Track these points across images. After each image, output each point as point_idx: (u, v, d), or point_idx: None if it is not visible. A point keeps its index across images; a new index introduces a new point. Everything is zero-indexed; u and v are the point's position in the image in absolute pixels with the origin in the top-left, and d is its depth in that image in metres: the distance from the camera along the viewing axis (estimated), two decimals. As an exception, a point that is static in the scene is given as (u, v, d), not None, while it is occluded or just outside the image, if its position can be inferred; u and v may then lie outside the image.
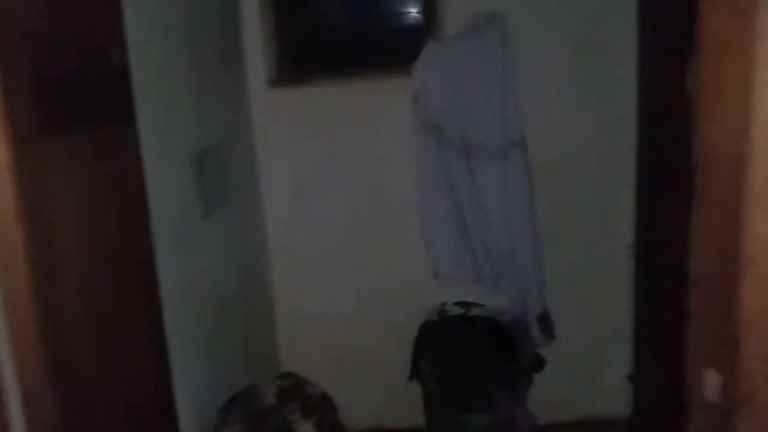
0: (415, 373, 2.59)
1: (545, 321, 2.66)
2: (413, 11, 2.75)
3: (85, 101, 1.45)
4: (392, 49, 2.75)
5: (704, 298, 0.79)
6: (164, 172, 1.86)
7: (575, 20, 2.56)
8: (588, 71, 2.59)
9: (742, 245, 0.67)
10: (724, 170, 0.72)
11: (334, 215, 2.78)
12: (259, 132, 2.73)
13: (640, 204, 2.53)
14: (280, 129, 2.73)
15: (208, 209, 2.14)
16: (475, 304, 2.67)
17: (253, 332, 2.65)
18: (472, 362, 2.48)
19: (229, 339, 2.36)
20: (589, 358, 2.80)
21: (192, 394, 1.99)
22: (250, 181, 2.72)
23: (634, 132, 2.53)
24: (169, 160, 1.93)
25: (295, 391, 2.09)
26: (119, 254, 1.55)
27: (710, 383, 0.77)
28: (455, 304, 2.68)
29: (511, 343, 2.54)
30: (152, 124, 1.78)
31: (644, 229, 2.48)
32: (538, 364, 2.62)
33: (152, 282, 1.71)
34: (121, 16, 1.62)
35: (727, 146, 0.70)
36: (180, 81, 2.05)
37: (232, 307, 2.39)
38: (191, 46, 2.15)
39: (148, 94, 1.76)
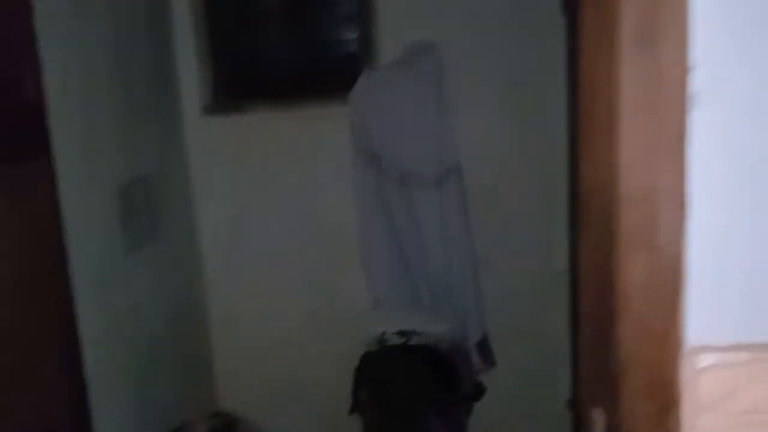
0: (356, 406, 2.55)
1: (485, 348, 2.66)
2: (350, 39, 2.76)
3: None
4: (330, 78, 2.75)
5: (589, 338, 0.80)
6: (84, 207, 1.80)
7: (509, 50, 2.60)
8: (521, 98, 2.63)
9: (618, 287, 0.68)
10: (598, 211, 0.72)
11: (272, 245, 2.74)
12: (193, 161, 2.67)
13: (572, 229, 2.57)
14: (215, 158, 2.68)
15: (134, 244, 2.07)
16: (414, 333, 2.66)
17: (188, 367, 2.57)
18: (411, 392, 2.46)
19: (160, 376, 2.28)
20: (530, 384, 2.80)
21: (117, 437, 1.91)
22: (185, 212, 2.65)
23: (566, 158, 2.57)
24: (90, 194, 1.86)
25: (227, 429, 2.03)
26: (30, 296, 1.48)
27: (598, 424, 0.77)
28: (395, 333, 2.66)
29: (450, 372, 2.53)
30: (71, 157, 1.72)
31: (578, 254, 2.51)
32: (479, 391, 2.61)
33: (68, 322, 1.64)
34: (34, 45, 1.56)
35: (599, 188, 0.71)
36: (102, 110, 1.98)
37: (163, 343, 2.31)
38: (116, 73, 2.09)
39: (65, 125, 1.71)
